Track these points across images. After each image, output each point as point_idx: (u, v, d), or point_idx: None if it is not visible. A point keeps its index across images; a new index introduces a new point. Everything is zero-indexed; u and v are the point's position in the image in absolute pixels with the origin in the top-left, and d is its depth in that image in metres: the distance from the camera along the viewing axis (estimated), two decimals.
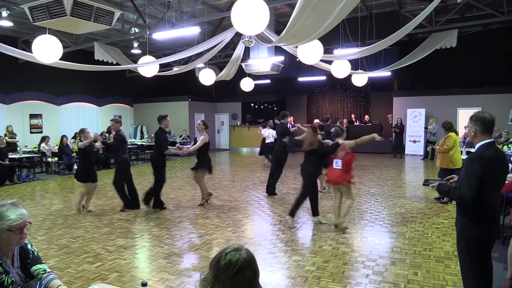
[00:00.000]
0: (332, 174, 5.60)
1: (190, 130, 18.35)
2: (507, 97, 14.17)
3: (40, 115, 15.28)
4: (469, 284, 2.80)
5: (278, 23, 12.34)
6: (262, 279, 1.56)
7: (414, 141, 15.04)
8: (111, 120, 7.58)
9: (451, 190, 2.79)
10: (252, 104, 20.80)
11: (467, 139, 8.95)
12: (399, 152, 15.04)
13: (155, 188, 6.97)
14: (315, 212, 5.97)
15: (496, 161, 2.65)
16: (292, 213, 5.83)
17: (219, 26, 12.74)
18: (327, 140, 6.13)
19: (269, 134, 12.25)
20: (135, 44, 14.48)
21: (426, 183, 3.23)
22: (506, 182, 4.75)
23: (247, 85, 11.70)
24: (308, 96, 20.92)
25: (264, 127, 12.88)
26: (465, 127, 2.90)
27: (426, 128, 14.12)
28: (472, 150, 2.85)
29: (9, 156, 10.63)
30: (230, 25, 5.77)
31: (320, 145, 5.71)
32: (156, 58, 8.67)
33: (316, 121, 19.13)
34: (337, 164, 5.46)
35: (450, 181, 3.10)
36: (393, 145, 15.20)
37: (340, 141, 5.57)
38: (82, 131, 6.98)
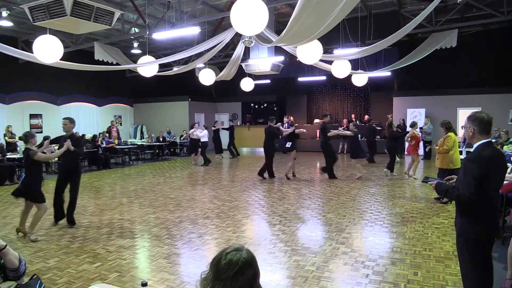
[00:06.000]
0: (409, 148, 9.97)
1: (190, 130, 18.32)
2: (507, 97, 14.16)
3: (40, 115, 15.28)
4: (469, 284, 2.80)
5: (278, 23, 12.34)
6: (262, 279, 1.56)
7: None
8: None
9: (449, 190, 2.79)
10: (252, 104, 20.79)
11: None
12: (399, 152, 14.99)
13: (329, 162, 10.21)
14: (390, 168, 10.41)
15: (493, 161, 2.65)
16: (391, 167, 10.44)
17: (219, 26, 12.74)
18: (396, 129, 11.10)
19: (204, 134, 13.86)
20: (135, 44, 14.49)
21: (425, 180, 3.19)
22: (506, 182, 4.75)
23: (247, 85, 11.70)
24: (308, 96, 20.89)
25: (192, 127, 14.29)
26: (462, 127, 2.87)
27: (421, 128, 14.10)
28: (472, 150, 2.85)
29: (10, 156, 10.64)
30: (230, 25, 5.77)
31: (393, 133, 10.77)
32: (156, 58, 8.68)
33: (316, 121, 19.14)
34: (412, 143, 9.73)
35: (450, 181, 3.09)
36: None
37: (411, 130, 9.86)
38: (32, 135, 5.38)
